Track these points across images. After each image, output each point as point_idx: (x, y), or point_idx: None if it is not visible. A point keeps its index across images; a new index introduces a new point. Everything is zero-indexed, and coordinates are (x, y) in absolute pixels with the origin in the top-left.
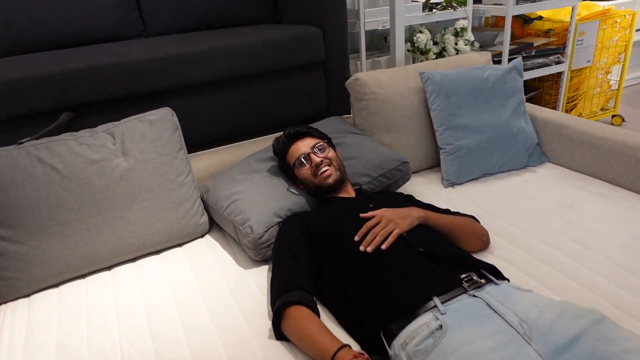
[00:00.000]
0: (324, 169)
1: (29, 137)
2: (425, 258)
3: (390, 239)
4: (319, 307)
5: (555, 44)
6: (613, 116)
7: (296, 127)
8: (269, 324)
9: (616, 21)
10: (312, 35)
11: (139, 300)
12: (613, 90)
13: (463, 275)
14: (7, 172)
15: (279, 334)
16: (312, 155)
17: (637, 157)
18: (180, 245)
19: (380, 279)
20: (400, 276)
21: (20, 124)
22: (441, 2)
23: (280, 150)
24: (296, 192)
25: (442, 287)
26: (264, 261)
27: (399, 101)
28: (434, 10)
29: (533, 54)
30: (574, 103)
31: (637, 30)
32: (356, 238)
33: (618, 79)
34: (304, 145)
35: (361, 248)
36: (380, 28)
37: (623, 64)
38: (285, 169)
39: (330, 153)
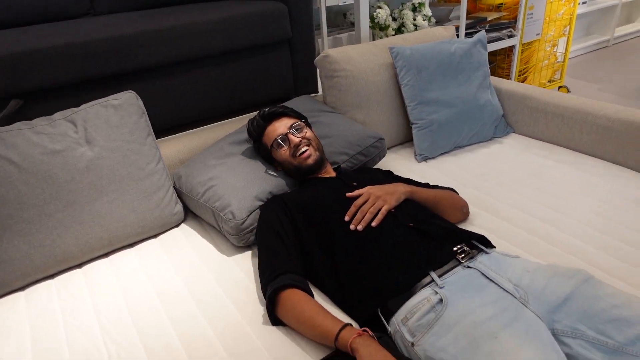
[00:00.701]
0: (303, 149)
1: None
2: (416, 233)
3: (380, 216)
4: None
5: (506, 18)
6: (559, 87)
7: (271, 108)
8: (261, 310)
9: None
10: (277, 11)
11: (118, 297)
12: (559, 62)
13: (455, 248)
14: None
15: (275, 319)
16: (290, 136)
17: (597, 124)
18: (155, 236)
19: (373, 257)
20: (393, 253)
21: None
22: None
23: (256, 132)
24: (275, 175)
25: (437, 261)
26: (247, 247)
27: (369, 77)
28: None
29: (487, 28)
30: (524, 76)
31: (583, 3)
32: (346, 218)
33: (563, 52)
34: (280, 126)
35: (351, 227)
36: (340, 4)
37: (568, 37)
38: (261, 151)
39: (308, 133)
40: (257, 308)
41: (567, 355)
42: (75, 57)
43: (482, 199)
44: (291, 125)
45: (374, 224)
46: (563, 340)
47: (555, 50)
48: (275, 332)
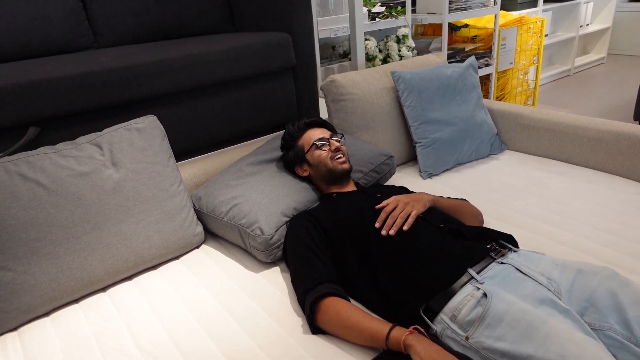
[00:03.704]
0: (340, 155)
1: (0, 153)
2: (448, 233)
3: (410, 220)
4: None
5: (481, 49)
6: None
7: (312, 118)
8: (299, 321)
9: (530, 27)
10: (282, 40)
11: (152, 317)
12: (531, 89)
13: (489, 246)
14: None
15: (315, 328)
16: (332, 140)
17: (587, 136)
18: (177, 257)
19: (411, 259)
20: (430, 253)
21: None
22: (383, 12)
23: (295, 134)
24: (299, 187)
25: (473, 258)
26: (273, 263)
27: (374, 100)
28: (377, 20)
29: (466, 58)
30: (501, 101)
31: (545, 35)
32: (377, 225)
33: (534, 79)
34: (322, 132)
35: (383, 232)
36: (332, 36)
37: (537, 65)
38: (292, 153)
39: (344, 147)
40: (295, 319)
41: None
42: (92, 85)
43: (492, 209)
44: (331, 135)
45: (405, 227)
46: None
47: (527, 78)
48: (317, 340)
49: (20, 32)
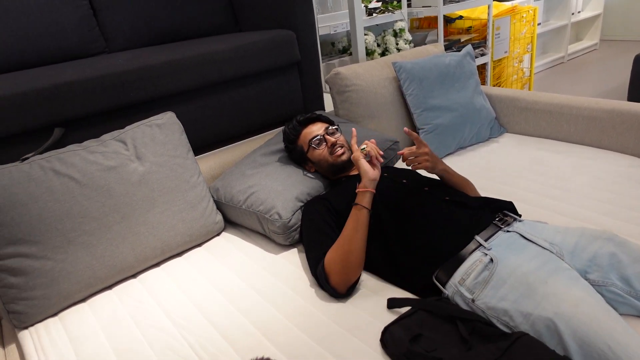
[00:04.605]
0: (338, 148)
1: (32, 153)
2: (453, 205)
3: (419, 166)
4: (363, 274)
5: (476, 39)
6: None
7: (306, 114)
8: (319, 292)
9: (522, 16)
10: (287, 37)
11: (182, 298)
12: (526, 76)
13: (496, 217)
14: (24, 187)
15: (332, 290)
16: (327, 137)
17: (582, 115)
18: (199, 245)
19: (422, 230)
20: (439, 223)
21: (10, 143)
22: (379, 7)
23: (293, 135)
24: (311, 176)
25: (479, 226)
26: (291, 245)
27: (377, 90)
28: (374, 15)
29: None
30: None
31: (539, 24)
32: (405, 151)
33: (529, 67)
34: (316, 129)
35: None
36: (332, 32)
37: (531, 53)
38: (295, 153)
39: (341, 136)
40: (314, 291)
41: None
42: (111, 86)
43: (495, 187)
44: (326, 128)
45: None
46: (595, 289)
47: (521, 66)
48: (339, 307)
49: (37, 40)
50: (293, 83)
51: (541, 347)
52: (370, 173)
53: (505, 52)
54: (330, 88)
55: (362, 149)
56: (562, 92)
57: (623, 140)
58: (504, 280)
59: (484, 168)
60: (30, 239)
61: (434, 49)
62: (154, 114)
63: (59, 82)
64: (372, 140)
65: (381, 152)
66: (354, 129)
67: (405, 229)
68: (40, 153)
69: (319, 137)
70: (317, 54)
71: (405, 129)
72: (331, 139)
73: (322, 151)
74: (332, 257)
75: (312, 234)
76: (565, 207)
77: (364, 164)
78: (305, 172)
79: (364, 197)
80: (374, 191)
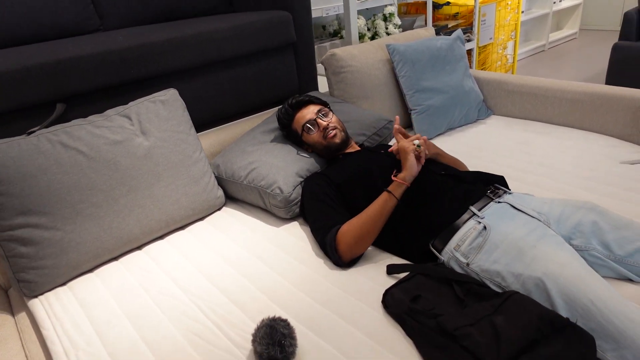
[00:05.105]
0: (330, 131)
1: (37, 127)
2: (449, 179)
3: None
4: None
5: (463, 25)
6: None
7: (297, 97)
8: (321, 261)
9: (508, 3)
10: (283, 18)
11: (188, 267)
12: (510, 63)
13: (488, 189)
14: (33, 159)
15: (337, 258)
16: (319, 120)
17: (566, 98)
18: (202, 219)
19: (419, 202)
20: (435, 195)
21: (13, 118)
22: None
23: (286, 120)
24: (307, 156)
25: (473, 198)
26: (291, 219)
27: (371, 71)
28: None
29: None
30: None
31: (522, 12)
32: (420, 140)
33: (512, 53)
34: (308, 113)
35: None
36: (324, 15)
37: (515, 40)
38: (291, 136)
39: (334, 117)
40: (317, 260)
41: None
42: (112, 63)
43: (483, 165)
44: (318, 111)
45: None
46: (578, 253)
47: (505, 52)
48: (342, 274)
49: (31, 17)
50: (289, 64)
51: (531, 302)
52: (414, 169)
53: (490, 38)
54: (325, 69)
55: (417, 146)
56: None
57: (603, 122)
58: (496, 246)
59: (473, 147)
60: (39, 210)
61: (425, 33)
62: (154, 91)
63: (61, 57)
64: (424, 137)
65: (428, 152)
66: (397, 117)
67: (404, 202)
68: (46, 127)
69: (310, 121)
70: (311, 36)
71: (396, 126)
72: (323, 122)
73: (315, 135)
74: (348, 230)
75: (315, 205)
76: (550, 183)
77: (412, 158)
78: (298, 152)
79: (399, 188)
80: (410, 185)
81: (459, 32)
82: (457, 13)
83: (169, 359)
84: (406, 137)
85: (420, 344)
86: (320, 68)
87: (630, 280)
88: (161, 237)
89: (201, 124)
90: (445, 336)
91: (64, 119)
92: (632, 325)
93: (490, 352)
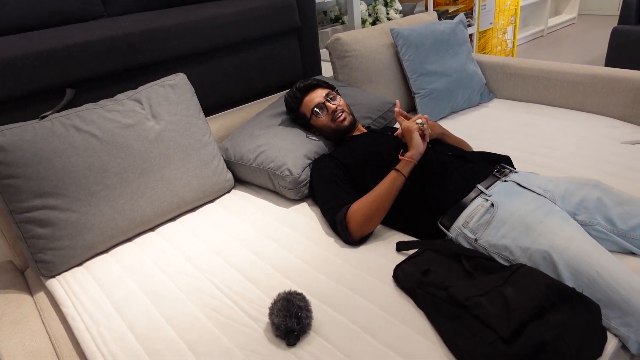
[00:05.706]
0: (339, 114)
1: (50, 111)
2: (456, 159)
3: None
4: None
5: (463, 10)
6: None
7: (305, 81)
8: (331, 240)
9: None
10: (287, 2)
11: (202, 247)
12: (509, 48)
13: (494, 169)
14: (48, 142)
15: (347, 236)
16: (327, 104)
17: (567, 80)
18: (212, 201)
19: (427, 181)
20: (443, 175)
21: (24, 103)
22: None
23: (294, 103)
24: (315, 139)
25: (480, 177)
26: (300, 200)
27: (375, 56)
28: None
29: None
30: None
31: None
32: (423, 120)
33: (512, 38)
34: (317, 96)
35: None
36: (325, 0)
37: (515, 25)
38: (299, 120)
39: (342, 100)
40: (328, 239)
41: None
42: (119, 48)
43: (487, 147)
44: (326, 95)
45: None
46: (583, 228)
47: (505, 37)
48: (352, 252)
49: (36, 3)
50: (292, 48)
51: (539, 273)
52: (421, 147)
53: (491, 23)
54: (330, 53)
55: (420, 124)
56: None
57: (604, 104)
58: (504, 222)
59: (475, 130)
60: (56, 192)
61: (428, 17)
62: (160, 76)
63: (70, 42)
64: (425, 116)
65: (431, 131)
66: (397, 101)
67: (412, 181)
68: (58, 112)
69: (319, 105)
70: (315, 21)
71: (396, 109)
72: (332, 105)
73: (324, 118)
74: (358, 208)
75: (324, 186)
76: (553, 163)
77: (417, 136)
78: (307, 135)
79: (407, 166)
80: (417, 163)
81: (461, 16)
82: None
83: (189, 332)
84: (408, 119)
85: (431, 315)
86: (323, 53)
87: (632, 253)
88: (173, 219)
89: (207, 109)
90: (456, 306)
91: (74, 103)
92: (637, 295)
93: (501, 321)
